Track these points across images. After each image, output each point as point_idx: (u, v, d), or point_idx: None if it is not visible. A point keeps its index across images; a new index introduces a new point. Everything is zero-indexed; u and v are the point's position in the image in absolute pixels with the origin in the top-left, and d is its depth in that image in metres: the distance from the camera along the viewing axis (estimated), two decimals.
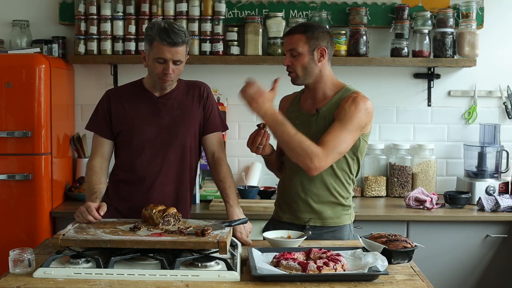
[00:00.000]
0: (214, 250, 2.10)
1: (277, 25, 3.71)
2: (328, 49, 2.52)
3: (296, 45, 2.48)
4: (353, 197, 3.72)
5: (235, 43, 3.73)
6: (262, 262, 2.07)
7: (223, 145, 2.79)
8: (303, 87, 2.64)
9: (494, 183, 3.58)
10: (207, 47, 3.71)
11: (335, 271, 1.99)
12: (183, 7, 3.70)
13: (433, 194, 3.50)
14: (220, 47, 3.71)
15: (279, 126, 2.39)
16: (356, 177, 2.62)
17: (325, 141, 2.39)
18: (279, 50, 3.70)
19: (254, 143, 2.54)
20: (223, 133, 2.86)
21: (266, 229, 2.68)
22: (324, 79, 2.54)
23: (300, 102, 2.64)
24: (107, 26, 3.71)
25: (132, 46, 3.70)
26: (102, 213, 2.34)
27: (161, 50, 2.52)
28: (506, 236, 3.35)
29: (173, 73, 2.56)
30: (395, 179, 3.76)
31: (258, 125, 2.53)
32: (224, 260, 2.05)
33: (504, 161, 3.70)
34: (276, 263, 2.05)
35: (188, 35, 2.60)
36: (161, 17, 3.68)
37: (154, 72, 2.58)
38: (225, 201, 2.65)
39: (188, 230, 2.17)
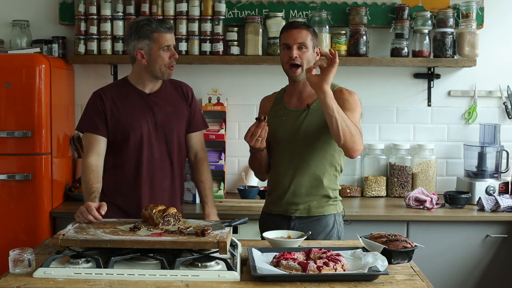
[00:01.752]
0: (214, 250, 2.10)
1: (277, 25, 3.70)
2: (320, 50, 2.65)
3: (306, 40, 2.59)
4: (353, 197, 3.77)
5: (235, 43, 3.73)
6: (262, 262, 2.07)
7: (204, 144, 2.90)
8: (283, 86, 2.75)
9: (494, 183, 3.58)
10: (207, 47, 3.71)
11: (335, 271, 1.99)
12: (183, 7, 3.70)
13: (433, 194, 3.50)
14: (220, 47, 3.71)
15: (338, 107, 2.43)
16: (342, 169, 2.70)
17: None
18: (279, 50, 3.69)
19: (253, 135, 2.57)
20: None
21: (260, 224, 2.79)
22: None
23: (284, 100, 2.71)
24: (107, 26, 3.71)
25: None
26: (103, 212, 2.35)
27: (165, 38, 2.67)
28: (506, 236, 3.35)
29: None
30: (395, 179, 3.76)
31: (257, 118, 2.58)
32: (224, 260, 2.05)
33: (504, 161, 3.70)
34: (276, 263, 2.05)
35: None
36: (161, 17, 3.68)
37: (163, 62, 2.67)
38: (203, 201, 2.79)
39: (188, 230, 2.17)
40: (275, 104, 2.74)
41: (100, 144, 2.71)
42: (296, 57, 2.58)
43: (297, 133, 2.61)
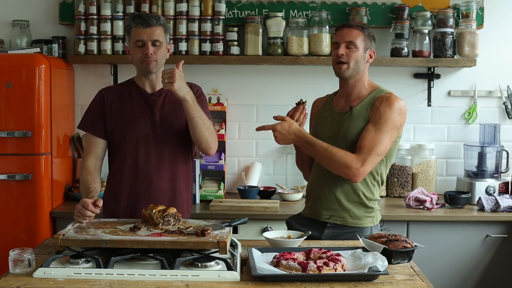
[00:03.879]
0: (214, 250, 2.10)
1: (277, 25, 3.71)
2: (375, 53, 2.63)
3: (355, 39, 2.55)
4: None
5: (235, 43, 3.73)
6: (262, 262, 2.07)
7: None
8: (336, 89, 2.69)
9: (494, 183, 3.58)
10: (207, 47, 3.71)
11: (335, 271, 1.99)
12: (183, 7, 3.70)
13: (433, 194, 3.50)
14: (220, 47, 3.71)
15: (309, 146, 2.48)
16: (383, 179, 2.62)
17: (361, 146, 2.46)
18: (279, 50, 3.70)
19: (292, 119, 2.57)
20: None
21: (288, 222, 2.75)
22: (363, 80, 2.61)
23: (333, 102, 2.68)
24: (107, 26, 3.71)
25: None
26: (100, 205, 2.34)
27: (137, 33, 2.61)
28: (506, 236, 3.35)
29: (153, 54, 2.61)
30: (395, 179, 3.76)
31: (297, 103, 2.57)
32: (224, 260, 2.05)
33: (504, 161, 3.70)
34: (276, 263, 2.05)
35: (164, 19, 2.69)
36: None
37: (136, 57, 2.64)
38: None
39: (188, 230, 2.17)
40: (324, 105, 2.71)
41: (98, 146, 2.69)
42: (342, 54, 2.53)
43: (336, 135, 2.55)
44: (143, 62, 2.62)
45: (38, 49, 3.59)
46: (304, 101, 2.60)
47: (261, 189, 3.72)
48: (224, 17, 3.74)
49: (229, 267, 2.02)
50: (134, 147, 2.66)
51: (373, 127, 2.48)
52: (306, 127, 2.66)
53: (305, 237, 2.39)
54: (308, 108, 2.72)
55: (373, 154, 2.45)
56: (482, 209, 3.42)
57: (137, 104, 2.69)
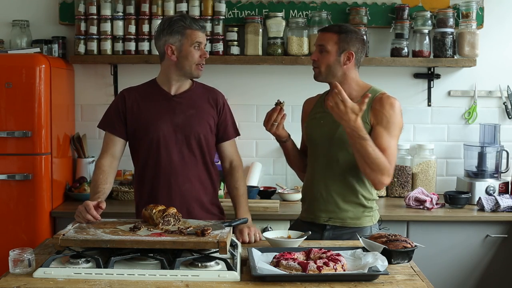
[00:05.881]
0: (214, 250, 2.10)
1: (277, 25, 3.71)
2: (357, 55, 2.54)
3: (326, 43, 2.51)
4: None
5: (235, 43, 3.73)
6: (262, 262, 2.07)
7: (238, 151, 2.83)
8: (327, 88, 2.67)
9: (494, 183, 3.58)
10: (207, 47, 3.71)
11: (335, 271, 1.99)
12: (183, 7, 3.70)
13: (433, 194, 3.50)
14: (220, 47, 3.71)
15: (361, 139, 2.37)
16: None
17: (385, 155, 2.44)
18: (279, 50, 3.70)
19: (269, 119, 2.57)
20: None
21: (291, 229, 2.72)
22: (349, 81, 2.55)
23: (324, 103, 2.63)
24: (107, 26, 3.71)
25: (132, 46, 3.70)
26: (103, 207, 2.34)
27: (197, 35, 2.63)
28: (506, 236, 3.35)
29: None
30: (395, 179, 3.76)
31: (276, 103, 2.56)
32: (224, 260, 2.06)
33: (504, 161, 3.70)
34: (276, 263, 2.05)
35: None
36: (161, 17, 3.68)
37: (193, 59, 2.63)
38: (236, 208, 2.69)
39: (188, 230, 2.18)
40: (316, 106, 2.68)
41: (116, 146, 2.68)
42: (313, 59, 2.53)
43: (332, 137, 2.53)
44: (198, 66, 2.64)
45: (38, 49, 3.59)
46: (281, 101, 2.56)
47: (261, 189, 3.72)
48: (224, 17, 3.74)
49: (229, 267, 2.02)
50: (155, 149, 2.65)
51: (385, 133, 2.47)
52: (288, 129, 2.64)
53: (305, 237, 2.40)
54: (299, 108, 2.74)
55: (394, 161, 2.48)
56: (482, 209, 3.42)
57: (159, 105, 2.65)
